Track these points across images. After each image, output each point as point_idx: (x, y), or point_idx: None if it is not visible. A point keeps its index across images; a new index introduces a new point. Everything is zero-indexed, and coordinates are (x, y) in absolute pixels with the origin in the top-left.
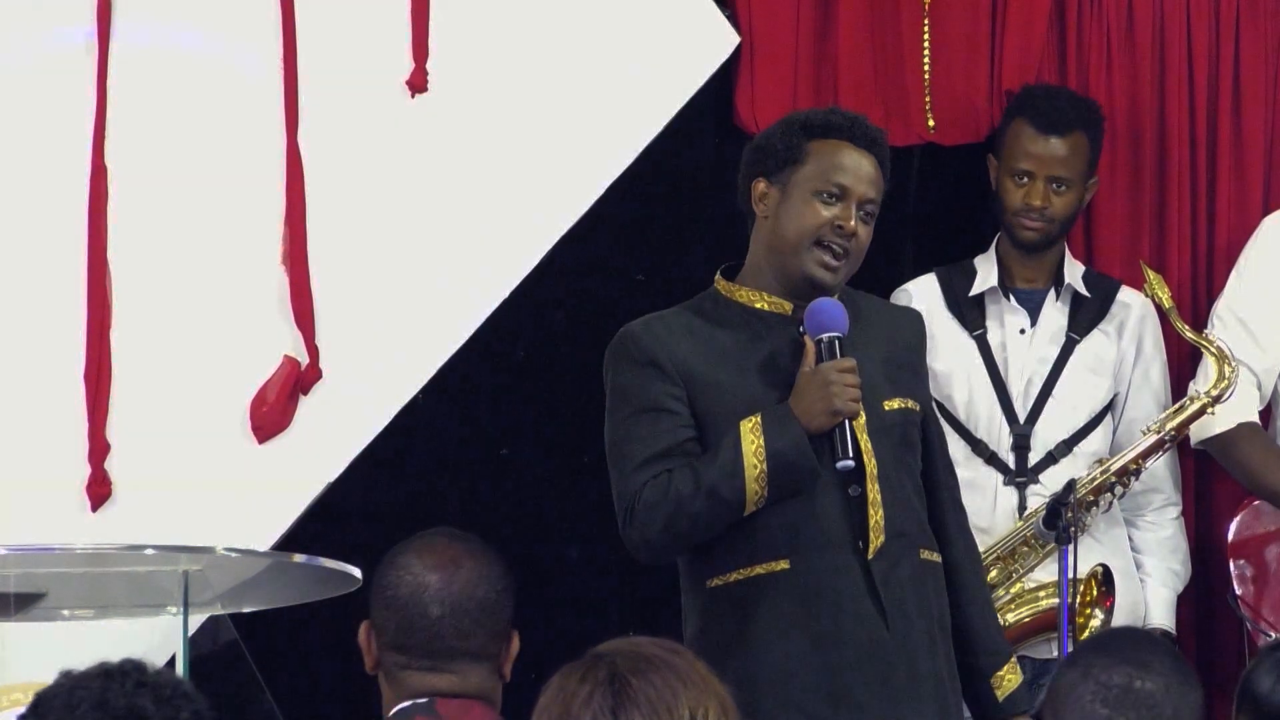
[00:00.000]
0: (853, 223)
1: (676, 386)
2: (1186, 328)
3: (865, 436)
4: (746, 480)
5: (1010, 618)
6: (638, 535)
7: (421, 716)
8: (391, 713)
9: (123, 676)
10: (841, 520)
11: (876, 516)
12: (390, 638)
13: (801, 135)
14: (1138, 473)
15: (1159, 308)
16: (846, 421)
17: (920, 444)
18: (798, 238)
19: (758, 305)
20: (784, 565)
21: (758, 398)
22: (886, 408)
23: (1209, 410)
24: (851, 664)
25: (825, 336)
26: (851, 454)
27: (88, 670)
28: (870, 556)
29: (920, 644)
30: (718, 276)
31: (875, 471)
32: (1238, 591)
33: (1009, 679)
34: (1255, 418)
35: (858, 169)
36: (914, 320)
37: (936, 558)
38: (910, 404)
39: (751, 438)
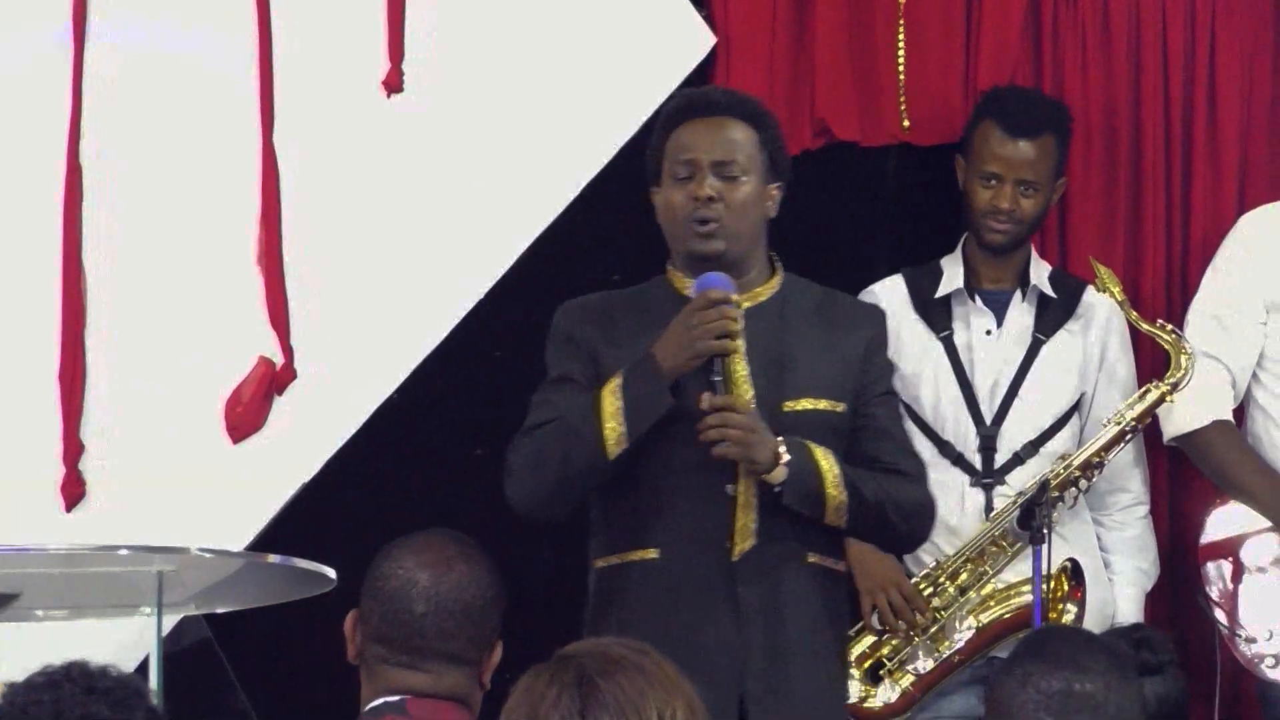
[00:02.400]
0: (705, 190)
1: (586, 363)
2: (1141, 320)
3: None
4: (604, 416)
5: (985, 617)
6: (513, 489)
7: (393, 715)
8: (365, 709)
9: (71, 684)
10: (712, 518)
11: (745, 519)
12: (374, 629)
13: (660, 135)
14: (1101, 465)
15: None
16: (719, 366)
17: (840, 443)
18: (670, 226)
19: (685, 291)
20: (653, 554)
21: None
22: (787, 409)
23: (1168, 399)
24: (696, 662)
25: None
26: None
27: (33, 680)
28: (734, 558)
29: (793, 650)
30: (668, 264)
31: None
32: (1211, 593)
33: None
34: (1229, 416)
35: (701, 139)
36: (870, 317)
37: (836, 565)
38: (828, 404)
39: (612, 382)
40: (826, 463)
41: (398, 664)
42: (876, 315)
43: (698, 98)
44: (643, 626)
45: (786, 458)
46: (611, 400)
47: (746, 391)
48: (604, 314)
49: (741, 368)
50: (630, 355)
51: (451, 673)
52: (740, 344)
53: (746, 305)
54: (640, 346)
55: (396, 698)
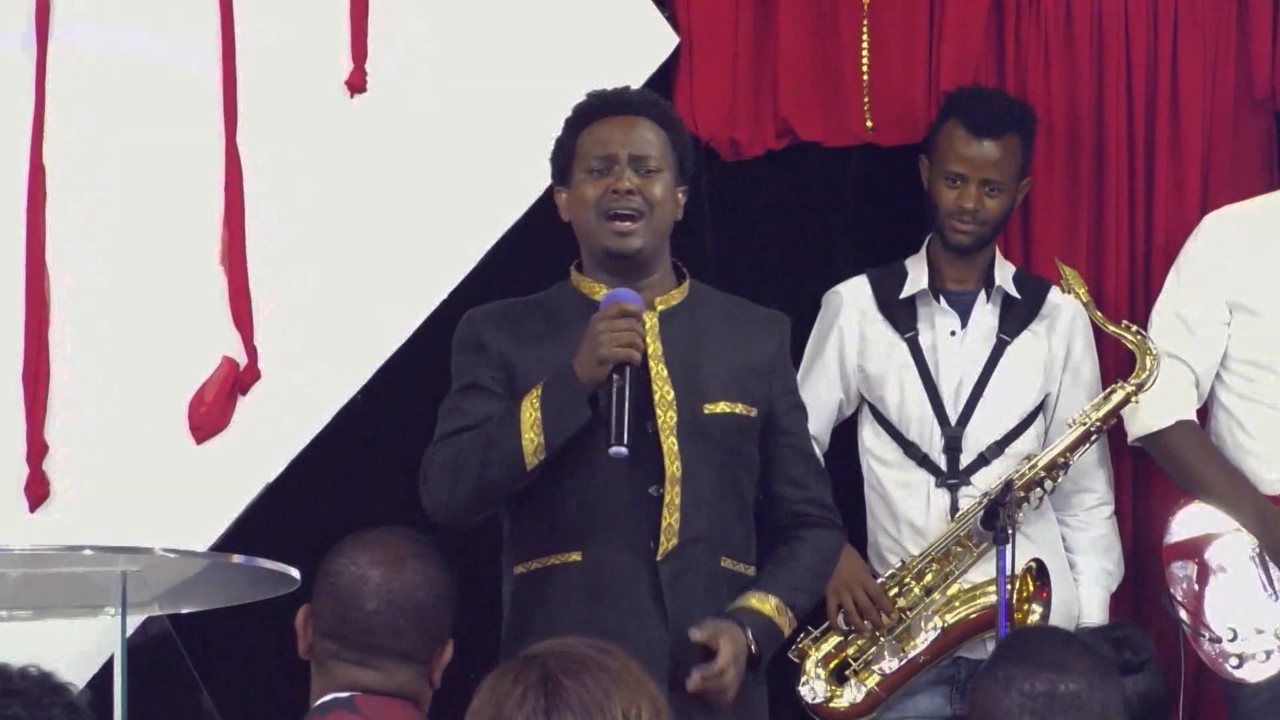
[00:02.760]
0: (624, 182)
1: (498, 370)
2: (1107, 321)
3: (673, 438)
4: (523, 427)
5: (951, 618)
6: (429, 497)
7: (341, 711)
8: (314, 705)
9: None
10: (636, 519)
11: (670, 519)
12: (325, 625)
13: (570, 133)
14: (1066, 466)
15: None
16: (624, 398)
17: (756, 447)
18: (584, 218)
19: (596, 296)
20: (576, 557)
21: None
22: (707, 411)
23: (1133, 399)
24: None
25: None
26: (626, 440)
27: None
28: (659, 558)
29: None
30: (571, 268)
31: (677, 474)
32: (1175, 594)
33: (751, 603)
34: (1193, 416)
35: (617, 134)
36: (775, 325)
37: (744, 569)
38: (742, 409)
39: (532, 393)
40: (781, 617)
41: (348, 660)
42: (780, 322)
43: (610, 96)
44: (567, 629)
45: (755, 646)
46: (530, 411)
47: (668, 394)
48: (511, 319)
49: (662, 370)
50: (541, 358)
51: (401, 671)
52: (658, 346)
53: (660, 308)
54: (550, 350)
55: (346, 694)
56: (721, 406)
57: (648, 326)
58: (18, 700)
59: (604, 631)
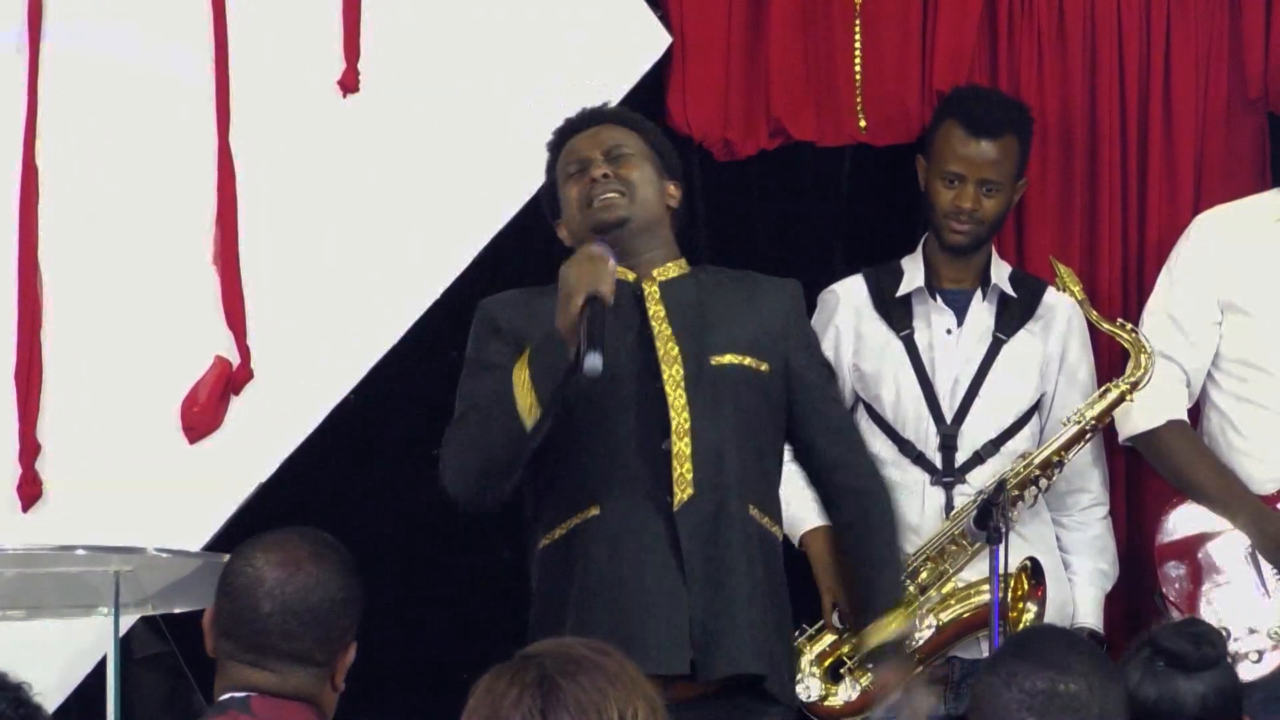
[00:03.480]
0: (599, 169)
1: (510, 346)
2: (1102, 319)
3: (680, 391)
4: (516, 390)
5: (946, 616)
6: (448, 481)
7: (236, 712)
8: (214, 703)
9: None
10: (651, 474)
11: (681, 469)
12: (223, 625)
13: (550, 168)
14: (1061, 465)
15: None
16: (595, 322)
17: (778, 406)
18: (574, 217)
19: None
20: (595, 511)
21: None
22: (714, 362)
23: (1128, 398)
24: (645, 612)
25: None
26: (599, 347)
27: None
28: (676, 509)
29: (736, 600)
30: None
31: (685, 425)
32: (1169, 594)
33: (881, 634)
34: (1184, 415)
35: (585, 141)
36: (786, 288)
37: (769, 524)
38: (751, 361)
39: (522, 358)
40: (905, 610)
41: (244, 661)
42: (792, 286)
43: (574, 118)
44: (594, 583)
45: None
46: (521, 373)
47: (672, 349)
48: (523, 303)
49: (665, 328)
50: None
51: (297, 673)
52: (660, 309)
53: (660, 279)
54: None
55: (242, 694)
56: (729, 358)
57: (647, 292)
58: None
59: (622, 582)
